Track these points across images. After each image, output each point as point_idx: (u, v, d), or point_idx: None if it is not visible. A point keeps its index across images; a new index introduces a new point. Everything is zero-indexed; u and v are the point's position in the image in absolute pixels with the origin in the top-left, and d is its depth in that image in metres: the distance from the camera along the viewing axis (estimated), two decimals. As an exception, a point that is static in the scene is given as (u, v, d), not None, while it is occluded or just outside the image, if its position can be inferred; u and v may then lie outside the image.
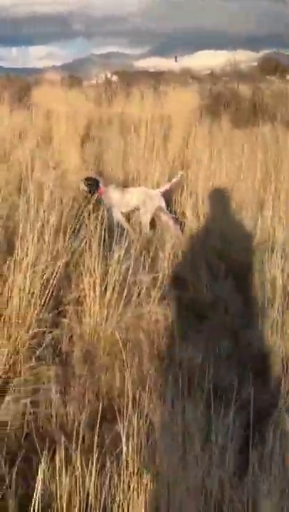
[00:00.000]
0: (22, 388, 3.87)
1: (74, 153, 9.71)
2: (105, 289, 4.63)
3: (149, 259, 5.22)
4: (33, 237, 4.56)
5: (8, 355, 3.90)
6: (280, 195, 7.31)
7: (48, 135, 11.57)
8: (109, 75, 28.56)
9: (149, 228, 6.68)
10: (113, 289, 4.60)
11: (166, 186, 7.07)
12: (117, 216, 6.72)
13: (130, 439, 3.24)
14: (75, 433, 3.58)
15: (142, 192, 6.95)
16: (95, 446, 3.14)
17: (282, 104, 12.35)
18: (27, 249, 4.50)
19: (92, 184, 6.87)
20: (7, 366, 3.90)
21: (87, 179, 6.98)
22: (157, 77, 26.30)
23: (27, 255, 4.45)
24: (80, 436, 3.33)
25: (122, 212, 6.83)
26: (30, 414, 3.77)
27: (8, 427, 3.67)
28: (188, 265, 5.57)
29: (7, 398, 3.79)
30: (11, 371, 3.93)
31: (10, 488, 3.14)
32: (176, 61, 61.56)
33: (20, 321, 4.12)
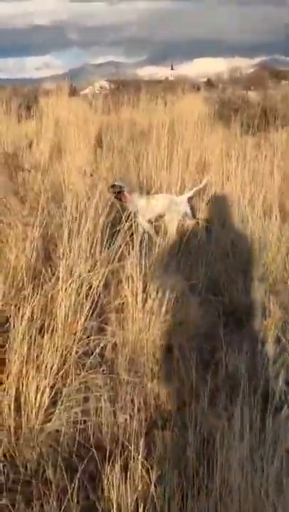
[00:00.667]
0: (72, 397, 3.85)
1: (90, 160, 9.68)
2: (146, 296, 4.63)
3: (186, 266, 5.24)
4: (75, 246, 4.55)
5: (57, 364, 3.88)
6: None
7: (61, 144, 11.52)
8: (107, 84, 28.51)
9: (175, 234, 6.66)
10: (155, 295, 4.60)
11: (191, 192, 7.04)
12: (143, 223, 6.69)
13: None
14: (128, 442, 3.59)
15: (167, 198, 6.91)
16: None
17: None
18: (67, 258, 4.49)
19: (117, 191, 6.85)
20: (57, 376, 3.88)
21: (112, 186, 6.94)
22: (156, 85, 26.24)
23: (68, 265, 4.44)
24: (134, 445, 3.29)
25: (147, 219, 6.82)
26: (81, 423, 3.77)
27: (62, 436, 3.65)
28: (222, 271, 5.57)
29: (58, 407, 3.78)
30: (61, 380, 3.91)
31: (72, 500, 3.12)
32: (172, 69, 61.72)
33: (67, 331, 4.10)
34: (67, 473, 3.35)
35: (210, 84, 38.50)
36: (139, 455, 3.23)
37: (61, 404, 3.77)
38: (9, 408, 3.68)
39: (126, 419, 3.81)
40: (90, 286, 4.45)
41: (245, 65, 57.93)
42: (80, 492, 3.17)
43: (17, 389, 3.74)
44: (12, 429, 3.64)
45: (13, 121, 14.12)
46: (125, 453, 3.41)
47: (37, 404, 3.70)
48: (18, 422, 3.67)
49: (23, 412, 3.69)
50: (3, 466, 3.44)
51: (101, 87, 24.82)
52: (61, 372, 3.89)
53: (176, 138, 10.66)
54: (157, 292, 4.68)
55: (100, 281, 4.52)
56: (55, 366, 3.83)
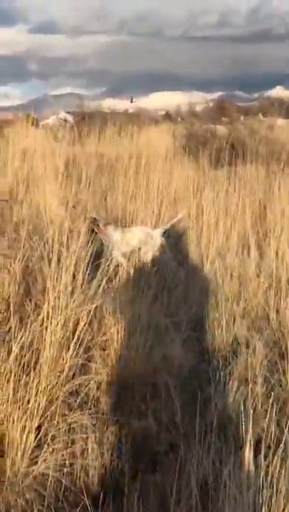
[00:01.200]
0: (58, 439, 3.75)
1: (58, 192, 9.60)
2: (131, 332, 4.58)
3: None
4: (59, 281, 4.47)
5: (44, 405, 3.77)
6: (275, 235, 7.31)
7: (30, 174, 11.45)
8: (68, 116, 28.65)
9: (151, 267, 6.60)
10: (140, 331, 4.54)
11: (167, 226, 6.99)
12: (117, 257, 6.61)
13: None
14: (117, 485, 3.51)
15: (142, 231, 6.85)
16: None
17: (261, 143, 12.47)
18: (52, 294, 4.41)
19: (92, 224, 6.76)
20: (43, 418, 3.76)
21: (90, 219, 6.86)
22: (117, 117, 26.53)
23: (51, 302, 4.36)
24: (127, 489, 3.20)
25: (122, 253, 6.74)
26: (67, 466, 3.66)
27: (48, 481, 3.53)
28: (203, 307, 5.53)
29: (45, 450, 3.66)
30: (47, 422, 3.79)
31: None
32: (131, 102, 62.64)
33: (52, 370, 4.00)
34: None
35: (168, 117, 39.06)
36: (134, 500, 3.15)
37: (48, 447, 3.66)
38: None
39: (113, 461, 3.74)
40: (77, 322, 4.37)
41: (203, 99, 58.89)
42: None
43: (1, 430, 3.62)
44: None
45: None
46: (118, 497, 3.34)
47: (22, 446, 3.57)
48: (1, 465, 3.54)
49: (7, 455, 3.56)
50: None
51: (65, 120, 24.96)
52: (47, 413, 3.78)
53: (146, 170, 10.68)
54: (141, 329, 4.64)
55: (86, 318, 4.44)
56: (41, 406, 3.73)
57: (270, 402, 3.75)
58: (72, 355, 4.17)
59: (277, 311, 5.50)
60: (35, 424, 3.63)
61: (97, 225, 6.80)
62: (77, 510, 3.33)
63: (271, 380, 4.40)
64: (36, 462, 3.57)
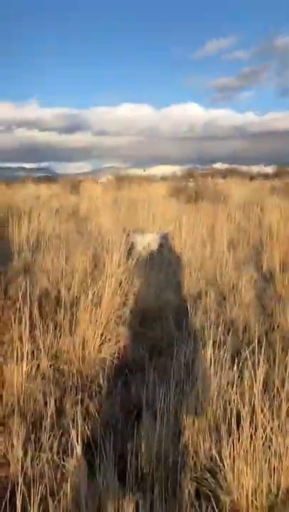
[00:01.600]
0: (112, 340, 3.71)
1: (109, 216, 9.57)
2: (148, 285, 4.54)
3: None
4: (112, 261, 4.44)
5: (104, 322, 3.73)
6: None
7: (94, 206, 11.37)
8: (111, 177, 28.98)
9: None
10: (152, 286, 4.50)
11: (163, 233, 6.93)
12: (139, 249, 6.57)
13: None
14: (142, 364, 3.46)
15: (151, 235, 6.81)
16: None
17: (210, 192, 12.33)
18: (109, 268, 4.37)
19: (127, 232, 6.73)
20: (104, 329, 3.73)
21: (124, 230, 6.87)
22: (136, 179, 26.72)
23: (108, 270, 4.32)
24: None
25: (142, 247, 6.71)
26: (116, 353, 3.63)
27: (107, 361, 3.50)
28: (183, 275, 5.51)
29: (104, 345, 3.63)
30: (106, 331, 3.74)
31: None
32: (144, 171, 62.87)
33: (109, 305, 3.96)
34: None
35: (164, 179, 39.68)
36: (151, 371, 3.12)
37: (106, 344, 3.64)
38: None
39: (139, 352, 3.68)
40: (120, 281, 4.32)
41: (180, 169, 58.86)
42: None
43: (84, 336, 3.60)
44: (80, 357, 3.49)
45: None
46: (144, 370, 3.31)
47: (93, 343, 3.55)
48: (84, 354, 3.52)
49: (86, 349, 3.54)
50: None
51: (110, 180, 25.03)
52: (106, 326, 3.75)
53: (152, 205, 10.61)
54: (152, 285, 4.58)
55: (125, 279, 4.39)
56: (103, 323, 3.70)
57: (220, 320, 3.70)
58: (118, 297, 4.17)
59: (220, 276, 5.40)
60: (100, 331, 3.64)
61: (128, 233, 6.75)
62: (122, 375, 3.33)
63: (219, 311, 4.32)
64: (100, 351, 3.58)
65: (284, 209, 8.97)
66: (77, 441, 2.25)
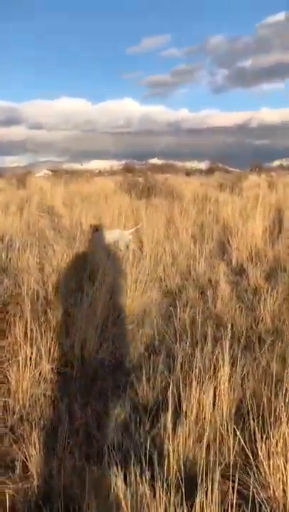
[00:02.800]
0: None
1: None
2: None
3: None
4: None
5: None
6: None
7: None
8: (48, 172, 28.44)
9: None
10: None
11: (132, 230, 6.83)
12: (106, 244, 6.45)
13: None
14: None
15: (119, 231, 6.73)
16: None
17: (162, 187, 12.41)
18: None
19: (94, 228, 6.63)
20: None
21: (91, 226, 6.74)
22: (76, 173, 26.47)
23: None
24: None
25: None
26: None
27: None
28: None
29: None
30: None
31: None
32: (81, 165, 62.79)
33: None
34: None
35: (100, 173, 39.83)
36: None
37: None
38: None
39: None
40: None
41: (117, 164, 59.33)
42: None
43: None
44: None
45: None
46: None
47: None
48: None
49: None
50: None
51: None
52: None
53: (107, 200, 10.51)
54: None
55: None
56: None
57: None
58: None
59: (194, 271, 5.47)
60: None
61: (95, 229, 6.63)
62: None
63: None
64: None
65: (237, 205, 9.30)
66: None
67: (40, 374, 3.02)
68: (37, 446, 2.40)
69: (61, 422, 2.55)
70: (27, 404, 2.81)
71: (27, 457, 2.38)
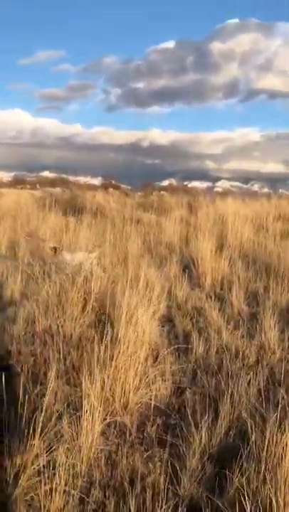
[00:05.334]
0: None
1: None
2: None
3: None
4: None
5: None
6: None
7: None
8: None
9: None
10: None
11: (97, 253, 6.45)
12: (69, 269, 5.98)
13: None
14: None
15: (82, 254, 6.29)
16: None
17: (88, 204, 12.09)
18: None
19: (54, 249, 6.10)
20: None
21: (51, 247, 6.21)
22: None
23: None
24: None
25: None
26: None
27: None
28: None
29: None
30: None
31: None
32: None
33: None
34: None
35: None
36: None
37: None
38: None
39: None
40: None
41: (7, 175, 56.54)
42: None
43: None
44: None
45: None
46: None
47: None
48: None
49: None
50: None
51: None
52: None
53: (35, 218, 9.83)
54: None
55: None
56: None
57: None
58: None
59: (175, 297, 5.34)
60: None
61: (56, 249, 6.15)
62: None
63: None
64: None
65: (164, 225, 9.49)
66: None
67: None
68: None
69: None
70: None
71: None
